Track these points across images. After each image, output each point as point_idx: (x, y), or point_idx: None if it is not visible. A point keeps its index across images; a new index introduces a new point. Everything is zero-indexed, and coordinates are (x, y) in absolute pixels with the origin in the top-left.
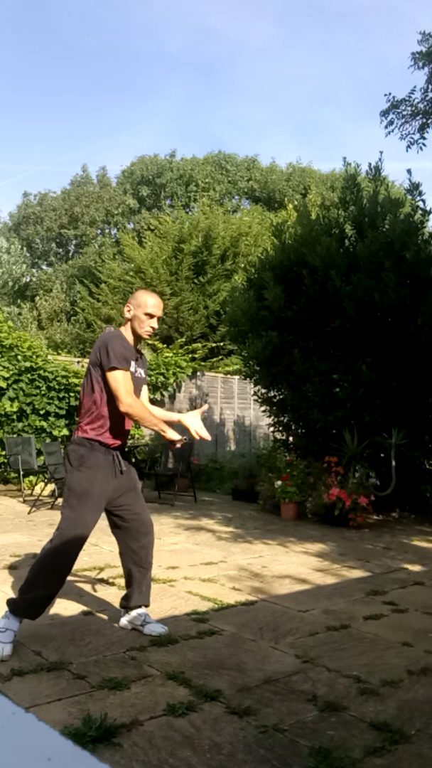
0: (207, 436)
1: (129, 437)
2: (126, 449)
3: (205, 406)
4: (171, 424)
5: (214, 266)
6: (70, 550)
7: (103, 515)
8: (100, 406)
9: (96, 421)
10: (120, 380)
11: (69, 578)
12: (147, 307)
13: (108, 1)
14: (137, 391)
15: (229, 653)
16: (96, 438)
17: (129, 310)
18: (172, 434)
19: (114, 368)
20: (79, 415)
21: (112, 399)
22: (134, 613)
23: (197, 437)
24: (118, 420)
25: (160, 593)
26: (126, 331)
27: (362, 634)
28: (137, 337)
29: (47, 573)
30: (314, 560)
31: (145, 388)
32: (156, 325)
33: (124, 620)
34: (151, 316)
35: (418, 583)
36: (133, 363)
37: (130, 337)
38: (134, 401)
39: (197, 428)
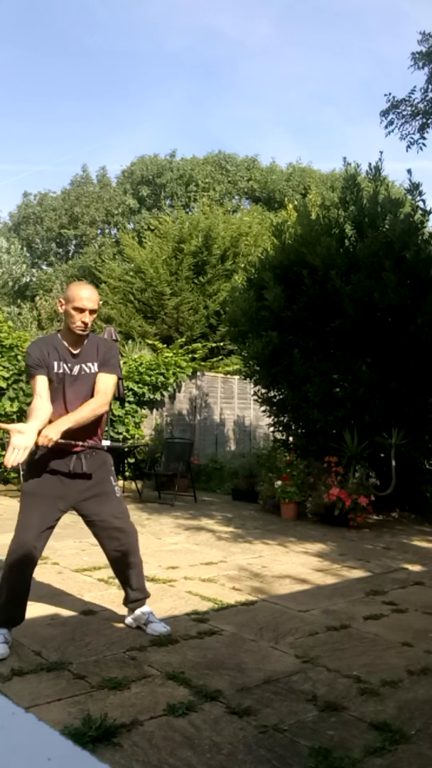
0: (12, 462)
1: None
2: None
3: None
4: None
5: (214, 266)
6: (25, 551)
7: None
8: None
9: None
10: (33, 388)
11: (69, 578)
12: (76, 300)
13: (108, 1)
14: (82, 389)
15: (229, 653)
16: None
17: (61, 305)
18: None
19: (29, 378)
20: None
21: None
22: (138, 611)
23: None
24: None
25: (160, 593)
26: (65, 328)
27: (362, 634)
28: (72, 333)
29: (11, 578)
30: (314, 560)
31: (102, 378)
32: (88, 320)
33: (129, 619)
34: (80, 310)
35: (418, 583)
36: (61, 363)
37: (68, 335)
38: (31, 407)
39: (16, 444)
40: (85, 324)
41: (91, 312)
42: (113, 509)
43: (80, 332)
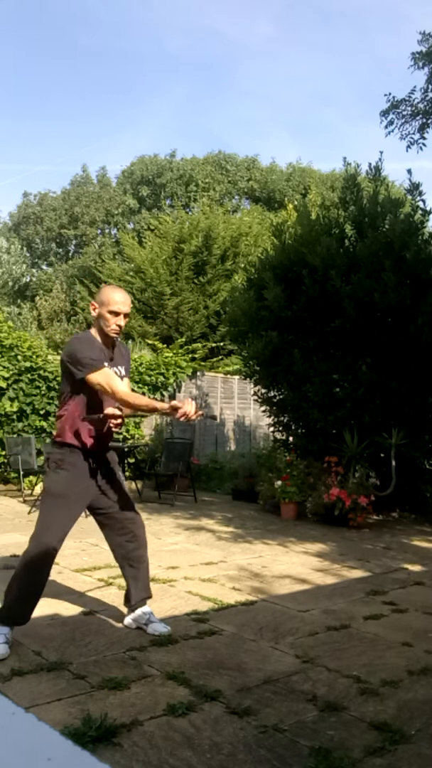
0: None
1: (115, 439)
2: (122, 449)
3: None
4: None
5: (214, 266)
6: (45, 553)
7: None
8: (72, 411)
9: (70, 424)
10: (101, 379)
11: (69, 578)
12: (111, 304)
13: (108, 1)
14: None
15: (229, 653)
16: (71, 441)
17: (94, 308)
18: (177, 402)
19: (90, 372)
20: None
21: (83, 404)
22: (139, 611)
23: (182, 418)
24: (95, 424)
25: (160, 593)
26: (95, 331)
27: (362, 634)
28: (107, 336)
29: (25, 577)
30: (314, 560)
31: (126, 381)
32: (122, 323)
33: (128, 619)
34: (116, 314)
35: (418, 583)
36: (106, 363)
37: (99, 337)
38: (126, 391)
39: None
40: (120, 327)
41: (125, 316)
42: (126, 501)
43: (114, 335)
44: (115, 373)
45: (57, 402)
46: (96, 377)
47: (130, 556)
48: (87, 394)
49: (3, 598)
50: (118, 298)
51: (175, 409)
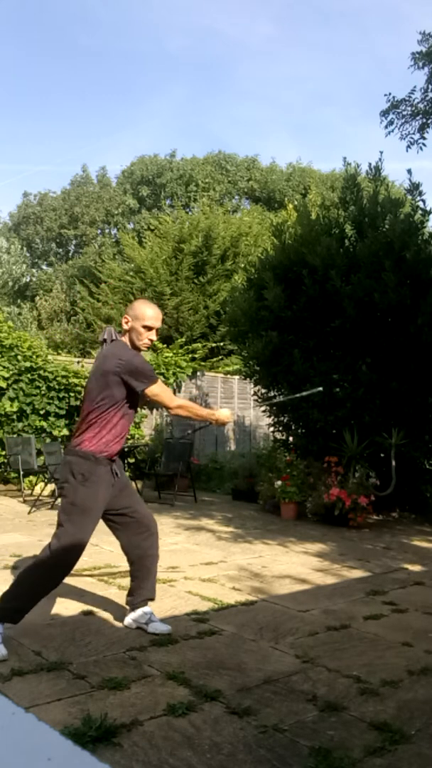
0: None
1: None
2: (125, 450)
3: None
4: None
5: (214, 266)
6: (70, 562)
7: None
8: (110, 419)
9: (102, 432)
10: (159, 391)
11: (69, 578)
12: (145, 319)
13: (108, 1)
14: (142, 399)
15: (229, 653)
16: (100, 451)
17: (127, 322)
18: (220, 414)
19: (151, 384)
20: (79, 423)
21: (122, 410)
22: (140, 611)
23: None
24: (123, 431)
25: (160, 593)
26: (125, 342)
27: (362, 634)
28: (136, 348)
29: (39, 583)
30: (314, 560)
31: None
32: (154, 337)
33: (128, 618)
34: (149, 328)
35: (418, 583)
36: None
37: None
38: (181, 400)
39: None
40: (152, 341)
41: (157, 330)
42: (138, 500)
43: (145, 348)
44: None
45: (57, 402)
46: (156, 389)
47: (146, 554)
48: (129, 405)
49: (8, 598)
50: (151, 314)
51: (218, 421)
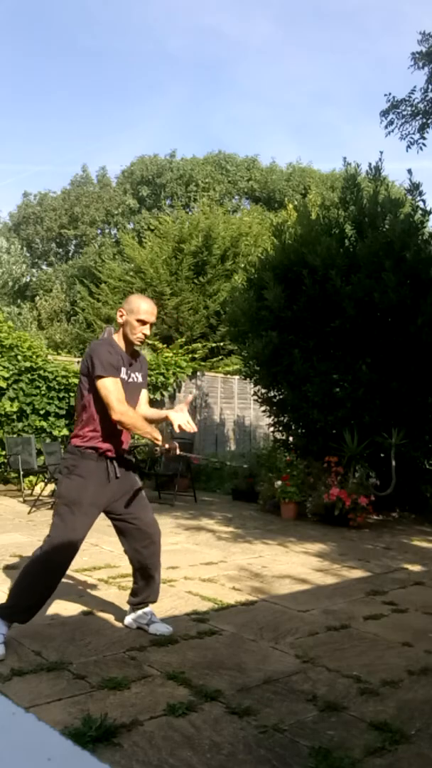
0: (190, 428)
1: (128, 442)
2: (128, 454)
3: (190, 397)
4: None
5: (214, 266)
6: (61, 558)
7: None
8: (91, 414)
9: (86, 427)
10: (109, 388)
11: (69, 578)
12: (139, 313)
13: (108, 1)
14: (132, 397)
15: (229, 653)
16: (86, 445)
17: (121, 316)
18: (165, 441)
19: (101, 377)
20: (75, 422)
21: (102, 406)
22: (140, 611)
23: (178, 431)
24: (109, 427)
25: (160, 593)
26: (119, 337)
27: (362, 634)
28: (130, 343)
29: (37, 581)
30: (314, 560)
31: (144, 393)
32: (148, 332)
33: (129, 619)
34: (143, 322)
35: (418, 583)
36: (124, 369)
37: (122, 343)
38: (126, 409)
39: (181, 422)
40: (145, 336)
41: (151, 325)
42: (144, 507)
43: (139, 343)
44: (133, 380)
45: (57, 402)
46: (105, 383)
47: (147, 563)
48: (98, 399)
49: (9, 598)
50: (146, 308)
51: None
